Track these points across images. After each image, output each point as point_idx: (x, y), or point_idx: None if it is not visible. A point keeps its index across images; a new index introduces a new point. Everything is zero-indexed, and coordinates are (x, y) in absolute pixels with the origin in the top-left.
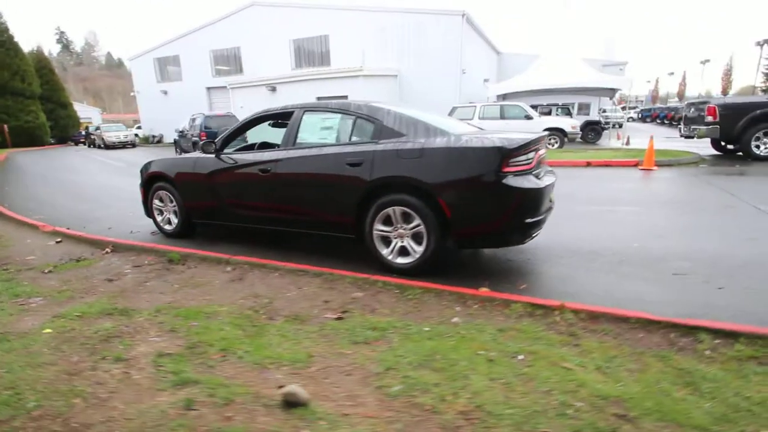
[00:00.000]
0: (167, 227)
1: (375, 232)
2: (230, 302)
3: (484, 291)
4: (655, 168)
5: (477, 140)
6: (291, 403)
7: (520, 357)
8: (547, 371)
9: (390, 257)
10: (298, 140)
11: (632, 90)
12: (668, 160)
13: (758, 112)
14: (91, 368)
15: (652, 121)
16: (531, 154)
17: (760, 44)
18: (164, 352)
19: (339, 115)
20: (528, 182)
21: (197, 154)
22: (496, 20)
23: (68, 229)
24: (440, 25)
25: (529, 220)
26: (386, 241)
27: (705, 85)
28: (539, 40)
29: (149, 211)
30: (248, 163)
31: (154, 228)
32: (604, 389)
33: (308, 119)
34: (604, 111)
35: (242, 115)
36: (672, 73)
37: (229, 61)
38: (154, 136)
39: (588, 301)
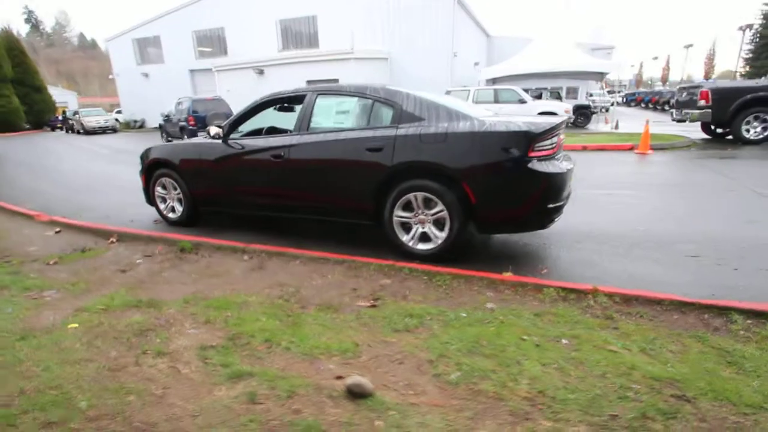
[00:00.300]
0: (171, 215)
1: (395, 218)
2: (257, 292)
3: (509, 276)
4: (651, 152)
5: (502, 124)
6: (357, 394)
7: (564, 341)
8: (596, 355)
9: (410, 243)
10: (312, 125)
11: (619, 74)
12: (662, 144)
13: (749, 96)
14: (135, 363)
15: (636, 106)
16: (554, 139)
17: (743, 29)
18: (206, 344)
19: (355, 99)
20: (552, 167)
21: (202, 139)
22: (485, 2)
23: (67, 218)
24: (431, 7)
25: (551, 205)
26: (405, 227)
27: (688, 70)
28: (528, 23)
29: (151, 199)
30: (259, 148)
31: (155, 216)
32: (655, 371)
33: (322, 103)
34: (591, 95)
35: (229, 98)
36: (656, 58)
37: (212, 43)
38: (135, 121)
39: (611, 284)
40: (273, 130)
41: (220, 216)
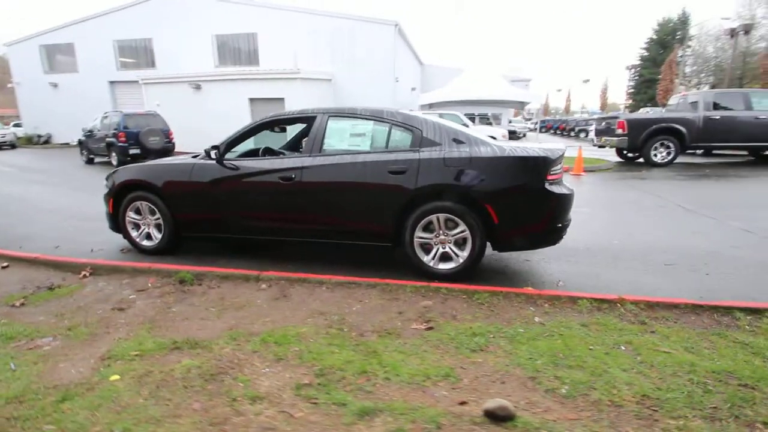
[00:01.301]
0: (145, 243)
1: (416, 239)
2: (300, 323)
3: (529, 290)
4: (583, 173)
5: (522, 150)
6: (501, 418)
7: (623, 348)
8: (656, 357)
9: (432, 263)
10: (324, 147)
11: (539, 103)
12: (591, 167)
13: (654, 126)
14: (236, 413)
15: (546, 132)
16: (561, 165)
17: (629, 68)
18: (299, 383)
19: (371, 122)
20: (562, 189)
21: (188, 159)
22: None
23: (9, 250)
24: (374, 33)
25: (562, 223)
26: (425, 247)
27: (586, 101)
28: (455, 54)
29: (120, 226)
30: (263, 170)
31: (121, 244)
32: (710, 366)
33: (334, 125)
34: (510, 122)
35: (159, 113)
36: (560, 90)
37: (138, 54)
38: (39, 136)
39: (621, 292)
40: (269, 152)
41: (198, 243)
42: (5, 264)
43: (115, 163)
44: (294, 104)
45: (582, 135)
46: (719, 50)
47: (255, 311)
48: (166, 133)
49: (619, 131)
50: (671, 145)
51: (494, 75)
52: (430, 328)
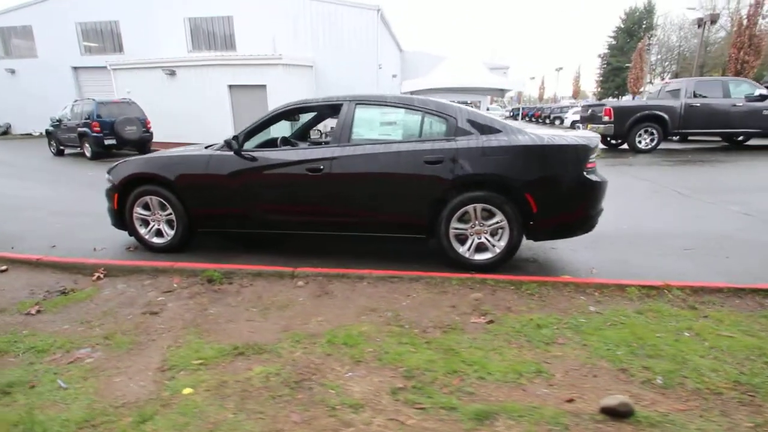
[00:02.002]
0: (156, 240)
1: (452, 230)
2: (355, 321)
3: (566, 278)
4: None
5: (561, 138)
6: (623, 414)
7: (687, 333)
8: (723, 341)
9: (467, 254)
10: (353, 136)
11: (515, 91)
12: None
13: (639, 114)
14: (343, 424)
15: (522, 119)
16: (596, 153)
17: (600, 56)
18: (394, 386)
19: (401, 111)
20: (597, 177)
21: (202, 150)
22: (397, 19)
23: (9, 251)
24: (356, 18)
25: (596, 210)
26: (459, 238)
27: (559, 89)
28: (435, 41)
29: (126, 223)
30: (289, 161)
31: (126, 242)
32: None
33: (362, 114)
34: (488, 109)
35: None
36: (533, 78)
37: (104, 38)
38: None
39: (652, 277)
40: (286, 142)
41: (204, 239)
42: (4, 267)
43: (88, 154)
44: (276, 91)
45: (557, 122)
46: (682, 39)
47: (301, 310)
48: (143, 122)
49: (606, 118)
50: (654, 131)
51: (476, 63)
52: (491, 322)
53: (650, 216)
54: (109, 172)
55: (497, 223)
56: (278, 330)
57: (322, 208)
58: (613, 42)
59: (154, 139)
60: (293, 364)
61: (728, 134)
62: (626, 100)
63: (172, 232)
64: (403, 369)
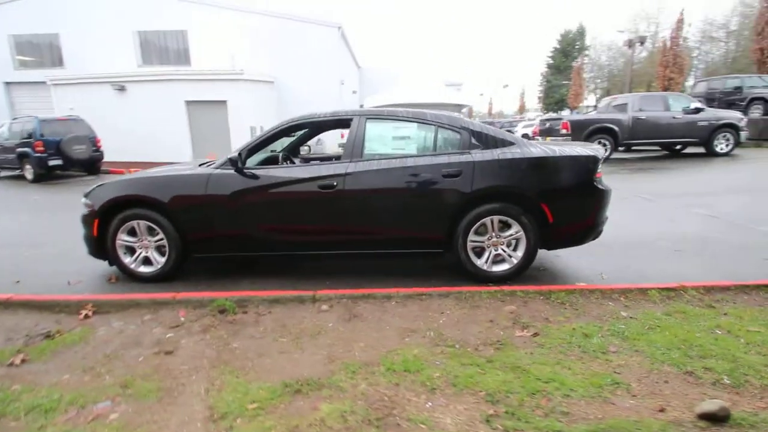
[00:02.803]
0: (143, 269)
1: (469, 243)
2: (401, 344)
3: (591, 285)
4: None
5: (573, 150)
6: (722, 418)
7: (718, 332)
8: (756, 337)
9: (485, 267)
10: (365, 151)
11: (470, 106)
12: None
13: (592, 126)
14: None
15: None
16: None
17: (542, 74)
18: (485, 414)
19: (414, 125)
20: (604, 185)
21: (203, 169)
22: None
23: None
24: (318, 35)
25: (604, 217)
26: (475, 251)
27: (505, 105)
28: (391, 58)
29: (108, 251)
30: (298, 179)
31: (106, 272)
32: None
33: (373, 128)
34: None
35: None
36: (482, 94)
37: (41, 51)
38: None
39: (652, 279)
40: (272, 159)
41: (191, 265)
42: None
43: (29, 177)
44: (237, 107)
45: None
46: (611, 59)
47: (336, 337)
48: (93, 141)
49: (564, 131)
50: (607, 143)
51: (433, 79)
52: (536, 334)
53: (629, 221)
54: (86, 196)
55: (514, 234)
56: (323, 360)
57: (335, 226)
58: (551, 61)
59: (105, 159)
60: (364, 398)
61: (669, 144)
62: (565, 115)
63: (162, 260)
64: (482, 393)
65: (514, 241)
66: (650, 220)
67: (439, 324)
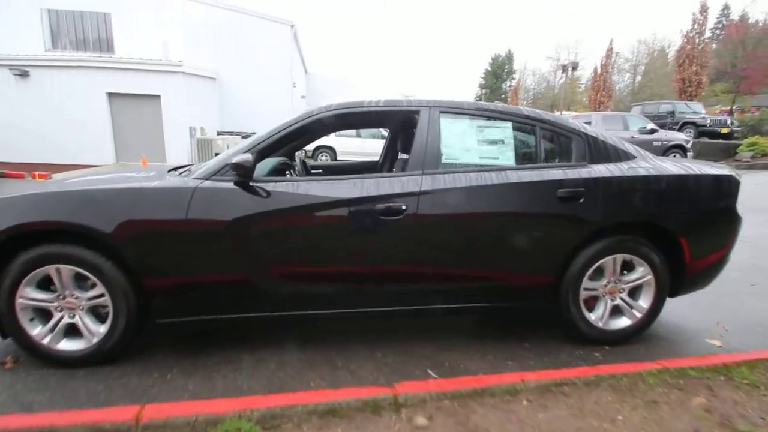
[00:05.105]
0: (66, 345)
1: (582, 292)
2: None
3: (756, 353)
4: None
5: (706, 168)
6: None
7: None
8: None
9: (601, 324)
10: (443, 160)
11: None
12: None
13: None
14: None
15: None
16: None
17: (476, 96)
18: None
19: (507, 123)
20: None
21: (182, 181)
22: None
23: None
24: (268, 32)
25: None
26: (587, 302)
27: None
28: (338, 65)
29: (0, 317)
30: (342, 199)
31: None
32: None
33: (450, 127)
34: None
35: None
36: None
37: None
38: None
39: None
40: (281, 168)
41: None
42: None
43: None
44: (174, 103)
45: None
46: (537, 83)
47: None
48: None
49: None
50: None
51: (388, 89)
52: None
53: None
54: None
55: (640, 278)
56: None
57: (399, 268)
58: (484, 82)
59: None
60: None
61: None
62: None
63: (102, 328)
64: None
65: (636, 288)
66: None
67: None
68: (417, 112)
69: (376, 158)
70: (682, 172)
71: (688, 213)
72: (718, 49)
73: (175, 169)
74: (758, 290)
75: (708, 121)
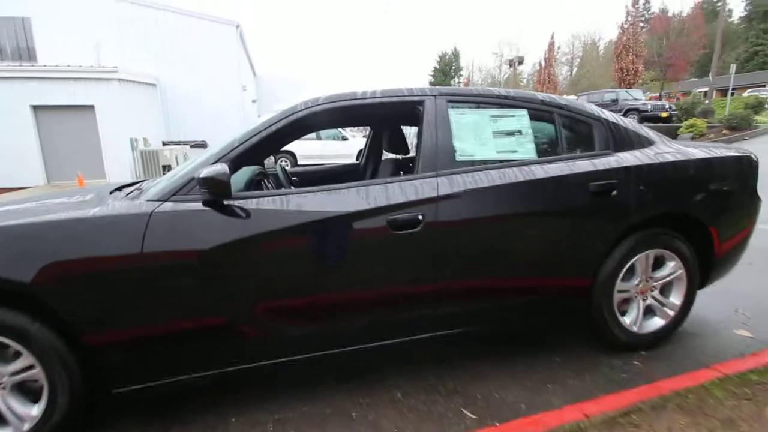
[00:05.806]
0: None
1: (616, 294)
2: None
3: None
4: None
5: (725, 150)
6: None
7: None
8: None
9: (635, 327)
10: (457, 156)
11: None
12: None
13: None
14: None
15: None
16: None
17: (431, 84)
18: None
19: (523, 111)
20: None
21: (131, 204)
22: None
23: None
24: (213, 33)
25: None
26: (619, 305)
27: None
28: (289, 66)
29: None
30: (343, 214)
31: None
32: None
33: (460, 118)
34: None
35: None
36: None
37: None
38: None
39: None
40: (255, 179)
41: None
42: None
43: None
44: (110, 114)
45: None
46: (483, 79)
47: None
48: None
49: None
50: None
51: (339, 87)
52: None
53: None
54: None
55: (671, 273)
56: None
57: (414, 289)
58: (432, 79)
59: None
60: None
61: None
62: None
63: (34, 410)
64: None
65: (666, 285)
66: None
67: None
68: (421, 103)
69: (338, 161)
70: (707, 155)
71: (717, 200)
72: (646, 40)
73: (119, 188)
74: (756, 269)
75: (648, 107)
